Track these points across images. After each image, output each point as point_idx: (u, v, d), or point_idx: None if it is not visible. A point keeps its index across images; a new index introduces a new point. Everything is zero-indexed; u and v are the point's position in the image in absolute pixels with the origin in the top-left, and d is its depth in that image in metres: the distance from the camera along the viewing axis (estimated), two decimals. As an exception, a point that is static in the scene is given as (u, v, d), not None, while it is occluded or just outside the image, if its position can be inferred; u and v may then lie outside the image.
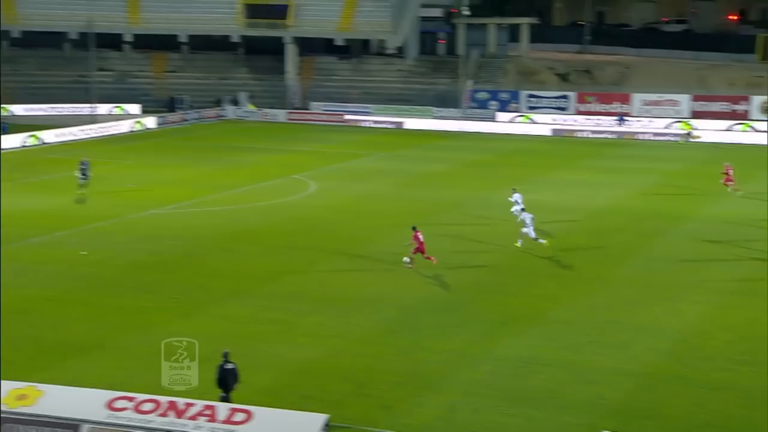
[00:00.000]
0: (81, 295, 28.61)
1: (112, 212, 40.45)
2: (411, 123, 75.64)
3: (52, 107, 76.22)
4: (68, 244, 34.81)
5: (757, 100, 73.73)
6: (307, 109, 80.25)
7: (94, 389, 19.36)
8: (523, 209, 36.01)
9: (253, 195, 45.78)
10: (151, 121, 72.22)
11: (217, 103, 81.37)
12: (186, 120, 75.90)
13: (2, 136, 59.79)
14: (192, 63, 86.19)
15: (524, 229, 34.39)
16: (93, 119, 69.93)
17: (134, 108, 78.53)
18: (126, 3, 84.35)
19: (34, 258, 32.71)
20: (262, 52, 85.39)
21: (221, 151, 61.03)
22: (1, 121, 63.29)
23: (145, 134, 68.69)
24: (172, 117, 75.26)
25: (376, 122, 76.58)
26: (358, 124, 76.32)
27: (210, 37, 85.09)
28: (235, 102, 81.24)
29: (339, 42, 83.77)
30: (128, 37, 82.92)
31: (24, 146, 59.42)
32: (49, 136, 61.91)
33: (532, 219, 34.39)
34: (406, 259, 32.07)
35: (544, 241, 34.42)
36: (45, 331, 25.27)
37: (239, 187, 47.78)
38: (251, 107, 79.53)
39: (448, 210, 42.02)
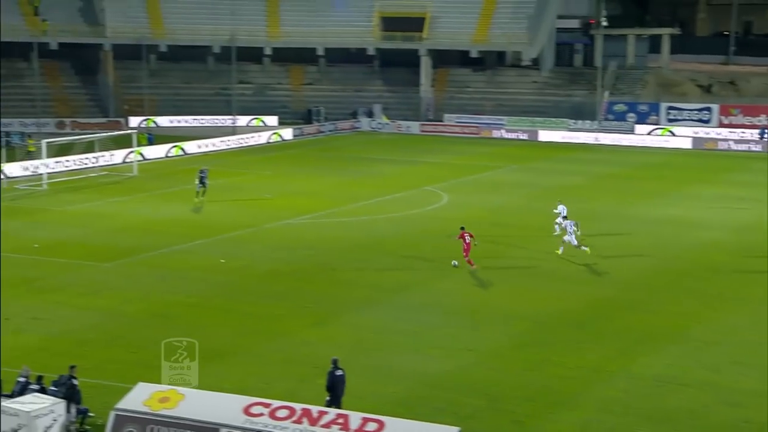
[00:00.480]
0: (220, 302, 29.43)
1: (250, 221, 41.50)
2: (545, 135, 74.74)
3: (195, 119, 78.94)
4: (208, 252, 35.89)
5: None
6: (440, 121, 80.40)
7: (231, 394, 19.86)
8: (565, 217, 36.53)
9: (386, 206, 46.12)
10: (288, 133, 73.84)
11: (353, 115, 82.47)
12: (322, 131, 77.22)
13: (148, 147, 62.27)
14: (328, 75, 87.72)
15: (566, 237, 34.90)
16: (233, 131, 72.04)
17: (272, 120, 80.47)
18: (266, 17, 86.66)
19: (177, 265, 33.87)
20: (397, 65, 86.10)
21: (355, 163, 61.77)
22: (148, 132, 65.91)
23: (282, 145, 70.26)
24: (308, 128, 76.72)
25: (509, 134, 76.02)
26: (492, 136, 75.93)
27: (346, 50, 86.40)
28: (369, 114, 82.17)
29: (474, 54, 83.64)
30: (268, 51, 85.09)
31: (168, 156, 61.72)
32: (192, 146, 64.10)
33: (575, 225, 34.81)
34: (455, 262, 33.36)
35: (586, 248, 34.62)
36: (187, 335, 25.99)
37: (372, 198, 48.22)
38: (385, 119, 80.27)
39: (582, 224, 41.25)
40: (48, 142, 51.39)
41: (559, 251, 35.07)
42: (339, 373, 20.59)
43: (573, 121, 76.97)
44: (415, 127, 79.19)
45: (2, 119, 70.69)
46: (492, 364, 24.51)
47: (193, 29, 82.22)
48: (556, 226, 37.78)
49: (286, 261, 34.82)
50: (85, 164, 55.25)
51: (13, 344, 24.77)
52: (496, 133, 76.39)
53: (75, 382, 20.02)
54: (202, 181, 44.62)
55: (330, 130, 77.98)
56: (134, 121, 75.99)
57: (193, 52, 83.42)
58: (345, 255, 35.82)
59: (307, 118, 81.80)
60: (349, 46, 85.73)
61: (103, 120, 75.23)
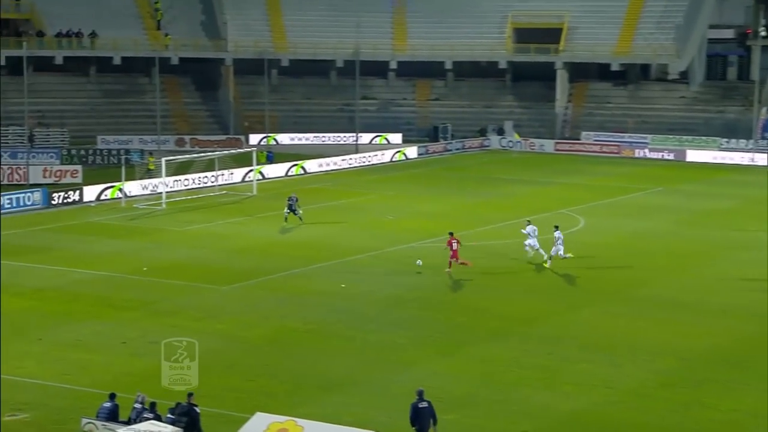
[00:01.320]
0: (340, 329, 29.82)
1: (372, 245, 41.90)
2: (694, 155, 72.88)
3: (316, 136, 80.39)
4: (328, 277, 36.43)
5: None
6: (577, 139, 79.46)
7: (352, 428, 20.07)
8: (556, 227, 38.79)
9: (517, 230, 45.79)
10: (412, 151, 74.34)
11: (481, 132, 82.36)
12: (448, 150, 77.39)
13: (268, 165, 63.73)
14: (456, 90, 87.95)
15: (554, 249, 37.43)
16: (355, 149, 73.01)
17: (396, 137, 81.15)
18: (392, 30, 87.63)
19: (296, 289, 34.50)
20: (531, 79, 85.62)
21: (484, 183, 61.63)
22: (268, 150, 67.48)
23: (407, 164, 70.76)
24: (434, 147, 77.04)
25: (653, 154, 74.49)
26: (634, 156, 74.56)
27: (476, 64, 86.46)
28: (500, 131, 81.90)
29: (615, 67, 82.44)
30: (393, 65, 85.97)
31: (288, 176, 63.00)
32: (312, 165, 65.28)
33: (562, 239, 37.52)
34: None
35: (570, 255, 37.32)
36: (305, 364, 26.54)
37: (503, 221, 47.99)
38: (517, 137, 79.86)
39: (734, 252, 40.03)
40: (167, 160, 53.25)
41: (547, 264, 37.49)
42: (423, 405, 20.52)
43: (725, 140, 74.82)
44: (549, 145, 78.48)
45: (123, 136, 73.74)
46: (633, 403, 23.99)
47: (316, 43, 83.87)
48: (528, 249, 38.48)
49: (409, 287, 34.99)
50: (204, 183, 56.98)
51: (130, 368, 25.68)
52: (638, 153, 74.95)
53: (197, 410, 20.51)
54: (291, 209, 45.14)
55: (457, 149, 78.06)
56: (254, 138, 77.94)
57: (316, 66, 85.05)
58: (472, 282, 35.73)
59: (433, 135, 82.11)
60: (479, 60, 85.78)
61: (223, 137, 77.43)
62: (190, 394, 20.63)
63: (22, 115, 63.06)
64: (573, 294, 34.13)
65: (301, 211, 45.35)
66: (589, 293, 34.36)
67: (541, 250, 38.24)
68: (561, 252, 37.71)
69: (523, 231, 39.16)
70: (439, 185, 60.65)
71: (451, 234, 37.24)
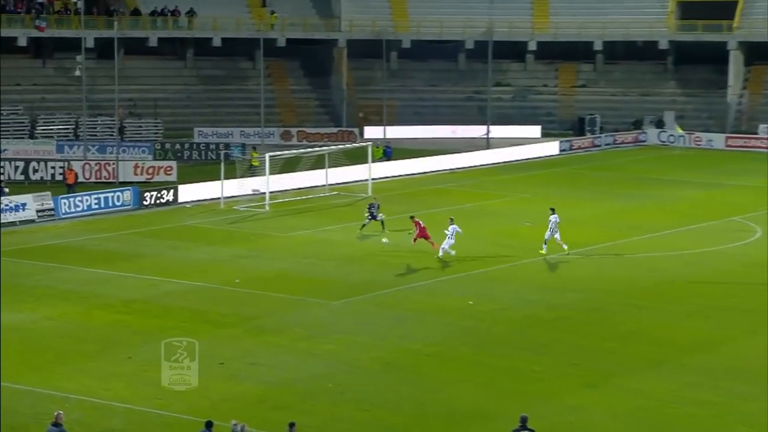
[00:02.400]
0: (467, 353, 29.81)
1: (506, 255, 41.76)
2: None
3: (441, 128, 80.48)
4: (454, 292, 36.46)
5: None
6: (753, 134, 77.56)
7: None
8: (552, 209, 42.27)
9: (678, 240, 45.02)
10: (553, 147, 73.78)
11: (636, 124, 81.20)
12: (596, 145, 76.55)
13: (385, 162, 64.10)
14: (607, 75, 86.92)
15: (548, 233, 40.92)
16: (486, 143, 72.87)
17: (534, 130, 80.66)
18: (532, 6, 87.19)
19: (417, 306, 34.65)
20: (697, 62, 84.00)
21: (640, 185, 60.70)
22: (386, 144, 67.91)
23: (547, 162, 70.24)
24: (579, 141, 76.31)
25: None
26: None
27: (631, 44, 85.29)
28: (659, 123, 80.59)
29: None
30: (532, 46, 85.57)
31: (408, 174, 63.14)
32: (436, 162, 65.40)
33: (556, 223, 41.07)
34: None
35: (453, 252, 40.42)
36: (427, 392, 26.63)
37: (661, 230, 47.22)
38: (679, 130, 78.44)
39: None
40: (272, 156, 54.12)
41: (543, 250, 41.21)
42: None
43: None
44: (719, 140, 76.81)
45: (222, 128, 75.32)
46: (818, 450, 23.29)
47: (443, 21, 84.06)
48: (447, 249, 40.67)
49: (548, 305, 34.76)
50: (314, 182, 57.66)
51: (228, 393, 26.21)
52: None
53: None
54: (373, 216, 45.28)
55: (607, 144, 77.13)
56: (370, 131, 78.59)
57: (442, 48, 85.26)
58: (624, 300, 35.30)
59: (579, 128, 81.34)
60: (635, 39, 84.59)
61: (334, 130, 78.40)
62: (291, 425, 20.94)
63: (111, 104, 65.08)
64: (747, 318, 33.31)
65: (382, 216, 45.45)
66: (766, 317, 33.47)
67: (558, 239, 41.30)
68: (553, 235, 41.27)
69: (445, 231, 40.98)
70: (584, 187, 60.02)
71: (412, 217, 41.99)
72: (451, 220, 41.61)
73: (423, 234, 41.23)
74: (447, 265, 40.18)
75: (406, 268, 39.76)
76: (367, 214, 45.73)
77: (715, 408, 25.77)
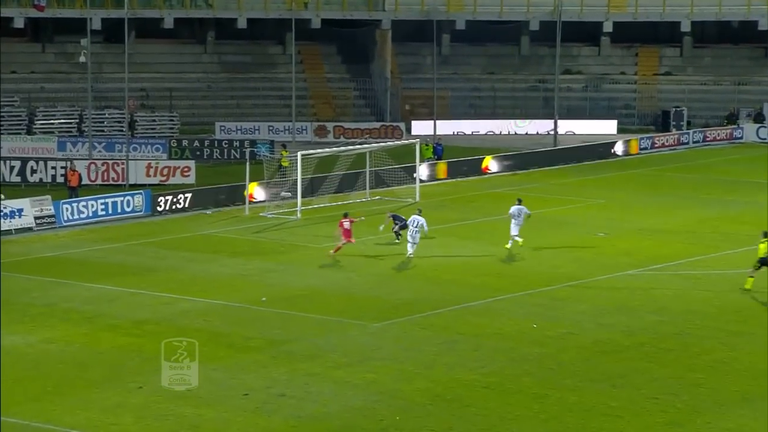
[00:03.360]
0: (529, 384, 29.79)
1: (575, 272, 41.66)
2: None
3: (499, 123, 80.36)
4: (514, 313, 36.43)
5: None
6: None
7: None
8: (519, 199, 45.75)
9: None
10: (633, 144, 73.50)
11: (731, 118, 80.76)
12: (683, 143, 76.22)
13: (436, 162, 64.15)
14: (695, 62, 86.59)
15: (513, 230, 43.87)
16: (554, 140, 72.73)
17: (610, 125, 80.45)
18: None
19: (471, 329, 34.66)
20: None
21: (734, 189, 60.34)
22: (436, 142, 67.98)
23: (624, 162, 69.97)
24: (662, 138, 76.02)
25: None
26: None
27: (725, 25, 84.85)
28: (758, 117, 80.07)
29: None
30: (608, 27, 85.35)
31: (462, 176, 63.17)
32: (495, 163, 65.38)
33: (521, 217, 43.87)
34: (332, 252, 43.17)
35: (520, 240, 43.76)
36: (483, 429, 26.63)
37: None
38: (780, 125, 77.94)
39: None
40: (304, 155, 54.34)
41: (508, 245, 44.19)
42: None
43: None
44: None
45: (248, 123, 75.68)
46: None
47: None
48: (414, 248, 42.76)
49: (624, 329, 34.66)
50: (353, 186, 57.74)
51: (253, 429, 26.37)
52: None
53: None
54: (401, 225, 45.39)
55: (696, 141, 76.77)
56: (418, 126, 78.69)
57: (501, 30, 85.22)
58: (713, 324, 35.16)
59: (662, 123, 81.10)
60: (729, 19, 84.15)
61: (377, 125, 78.56)
62: None
63: (120, 94, 65.61)
64: None
65: (397, 228, 45.49)
66: None
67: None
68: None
69: (387, 225, 44.49)
70: (669, 191, 59.74)
71: (346, 215, 44.10)
72: (419, 211, 43.84)
73: (347, 234, 43.35)
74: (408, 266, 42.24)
75: (458, 285, 39.78)
76: (395, 227, 45.49)
77: (820, 451, 25.60)
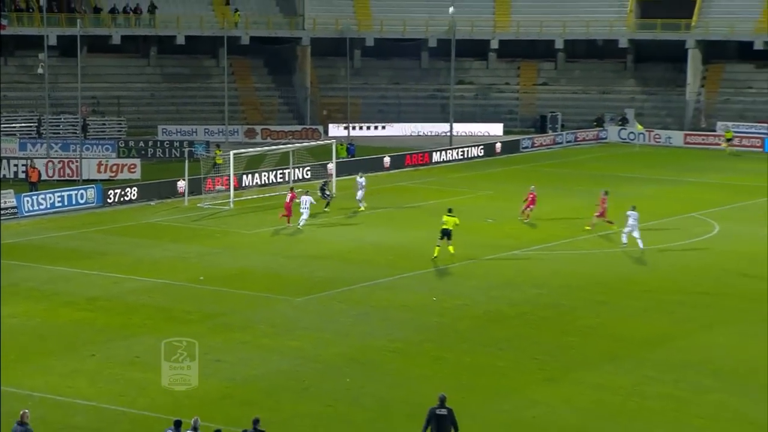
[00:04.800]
0: (430, 349, 29.92)
1: (468, 252, 41.88)
2: None
3: (404, 126, 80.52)
4: (417, 288, 36.56)
5: None
6: (712, 131, 78.21)
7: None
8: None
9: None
10: (515, 144, 74.03)
11: (597, 122, 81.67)
12: (558, 143, 76.93)
13: (349, 160, 64.12)
14: (568, 74, 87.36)
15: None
16: (449, 141, 73.00)
17: (496, 128, 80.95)
18: (494, 4, 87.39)
19: (380, 302, 34.73)
20: (656, 60, 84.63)
21: (601, 182, 60.95)
22: (349, 142, 67.95)
23: (509, 159, 70.47)
24: (540, 139, 76.66)
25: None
26: (778, 150, 73.13)
27: (592, 43, 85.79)
28: (620, 121, 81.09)
29: (758, 45, 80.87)
30: (494, 44, 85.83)
31: (372, 171, 63.12)
32: (399, 160, 65.45)
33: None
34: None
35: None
36: (390, 387, 26.70)
37: (620, 226, 47.50)
38: (639, 128, 78.92)
39: None
40: (236, 154, 54.03)
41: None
42: (442, 412, 21.23)
43: None
44: (678, 137, 77.43)
45: (186, 126, 75.04)
46: (774, 442, 23.59)
47: (405, 19, 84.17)
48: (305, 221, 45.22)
49: (509, 301, 34.94)
50: (278, 180, 57.61)
51: (192, 390, 26.14)
52: (783, 146, 73.53)
53: (267, 436, 20.76)
54: (323, 194, 49.42)
55: (568, 141, 77.54)
56: (334, 129, 78.59)
57: (405, 46, 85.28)
58: (583, 296, 35.53)
59: (540, 126, 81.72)
60: (595, 38, 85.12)
61: (298, 127, 78.31)
62: (255, 421, 20.95)
63: (74, 101, 64.73)
64: (703, 312, 33.63)
65: (329, 193, 49.67)
66: (723, 311, 33.82)
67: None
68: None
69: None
70: (546, 184, 60.21)
71: (292, 189, 47.02)
72: (306, 192, 46.71)
73: (287, 209, 45.79)
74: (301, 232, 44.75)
75: (369, 265, 39.81)
76: (319, 194, 48.85)
77: (674, 401, 25.99)
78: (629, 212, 42.21)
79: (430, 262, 39.82)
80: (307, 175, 58.73)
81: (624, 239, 42.21)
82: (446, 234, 40.16)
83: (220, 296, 35.25)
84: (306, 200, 45.85)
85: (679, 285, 37.10)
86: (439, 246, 40.24)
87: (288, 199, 46.12)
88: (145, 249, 42.52)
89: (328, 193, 50.54)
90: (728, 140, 73.57)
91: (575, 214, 50.27)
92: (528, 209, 47.82)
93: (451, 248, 40.17)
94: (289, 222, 45.91)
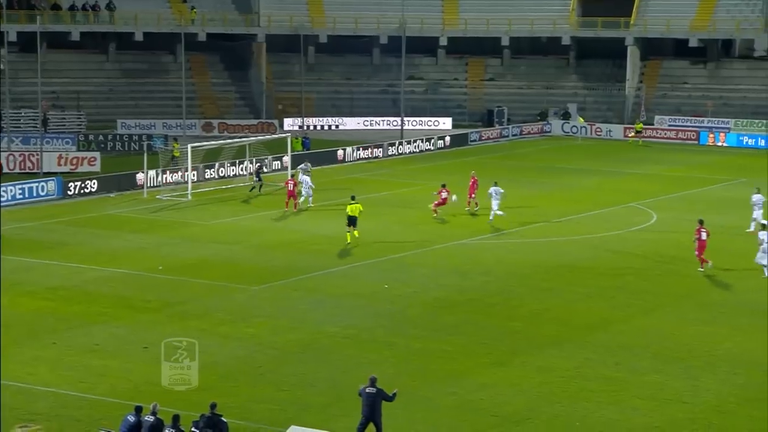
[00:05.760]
0: (382, 335, 29.94)
1: (418, 241, 41.97)
2: (782, 142, 72.10)
3: (357, 120, 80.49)
4: (370, 276, 36.57)
5: None
6: (650, 125, 78.87)
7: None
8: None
9: (580, 225, 45.66)
10: (464, 138, 74.22)
11: (542, 116, 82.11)
12: (504, 136, 77.27)
13: (304, 153, 63.91)
14: (513, 69, 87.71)
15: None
16: (400, 134, 73.03)
17: (446, 122, 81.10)
18: (442, 3, 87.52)
19: (334, 290, 34.69)
20: (598, 57, 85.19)
21: (544, 173, 61.41)
22: (304, 135, 67.75)
23: (458, 152, 70.68)
24: (488, 132, 76.93)
25: (737, 141, 73.73)
26: (714, 143, 73.88)
27: (536, 40, 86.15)
28: (563, 115, 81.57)
29: (693, 43, 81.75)
30: (443, 41, 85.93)
31: (327, 164, 63.05)
32: (352, 152, 65.37)
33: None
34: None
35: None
36: (344, 372, 26.68)
37: (565, 215, 47.84)
38: (581, 121, 79.50)
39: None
40: (193, 147, 53.67)
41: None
42: (371, 390, 21.59)
43: (818, 124, 73.98)
44: (618, 131, 78.06)
45: (145, 120, 74.46)
46: (713, 420, 23.89)
47: (358, 17, 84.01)
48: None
49: (459, 288, 35.04)
50: (235, 172, 57.36)
51: (151, 376, 25.96)
52: (719, 140, 74.24)
53: (225, 421, 20.66)
54: (258, 177, 51.66)
55: (514, 135, 77.89)
56: (289, 122, 78.32)
57: (357, 43, 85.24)
58: (529, 283, 35.72)
59: (488, 120, 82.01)
60: (539, 35, 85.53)
61: (254, 121, 77.97)
62: (213, 405, 20.84)
63: (34, 96, 63.92)
64: (643, 297, 33.94)
65: (259, 184, 51.37)
66: (661, 296, 34.16)
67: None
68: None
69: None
70: (493, 175, 60.42)
71: (292, 176, 48.56)
72: (305, 170, 50.09)
73: (292, 194, 47.24)
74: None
75: (323, 254, 39.75)
76: (255, 178, 50.93)
77: (615, 383, 26.21)
78: (492, 189, 45.49)
79: (383, 252, 39.91)
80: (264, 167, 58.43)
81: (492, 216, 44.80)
82: (352, 221, 40.96)
83: (179, 285, 35.03)
84: (305, 180, 48.47)
85: (619, 271, 37.41)
86: (349, 232, 41.00)
87: (291, 187, 47.11)
88: (105, 240, 42.14)
89: (258, 179, 51.89)
90: (638, 132, 74.33)
91: (521, 204, 50.48)
92: (472, 197, 48.17)
93: (356, 232, 41.05)
94: (295, 206, 47.32)
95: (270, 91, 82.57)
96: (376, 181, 55.68)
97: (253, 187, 51.92)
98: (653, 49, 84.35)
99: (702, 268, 37.01)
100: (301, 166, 52.36)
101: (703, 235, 36.78)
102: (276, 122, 77.66)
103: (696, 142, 74.85)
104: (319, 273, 36.90)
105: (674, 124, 78.18)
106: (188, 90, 76.03)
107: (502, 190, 45.86)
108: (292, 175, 47.95)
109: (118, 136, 68.11)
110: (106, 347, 28.09)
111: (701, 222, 37.35)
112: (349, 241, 40.90)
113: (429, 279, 36.21)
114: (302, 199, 48.28)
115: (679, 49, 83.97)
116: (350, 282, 35.75)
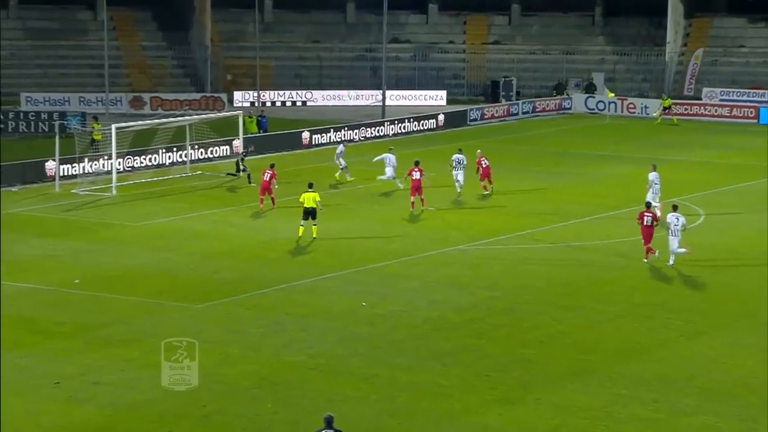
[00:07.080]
0: (358, 365, 29.98)
1: (405, 247, 42.03)
2: None
3: (327, 94, 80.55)
4: (343, 291, 36.61)
5: None
6: (697, 99, 79.28)
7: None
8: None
9: (607, 227, 45.79)
10: (462, 115, 74.38)
11: (559, 89, 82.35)
12: (513, 114, 77.47)
13: (260, 135, 63.98)
14: (524, 30, 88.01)
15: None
16: (382, 111, 73.14)
17: (439, 95, 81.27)
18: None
19: (298, 309, 34.71)
20: (630, 13, 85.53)
21: (562, 160, 61.58)
22: (260, 114, 67.81)
23: (453, 134, 70.79)
24: (491, 109, 77.14)
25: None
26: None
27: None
28: (587, 88, 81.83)
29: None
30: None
31: (288, 150, 63.12)
32: (320, 135, 65.47)
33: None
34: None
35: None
36: (310, 413, 26.64)
37: (589, 214, 47.97)
38: (610, 95, 79.83)
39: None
40: (119, 128, 53.63)
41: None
42: None
43: None
44: (655, 107, 78.38)
45: (57, 94, 74.31)
46: (770, 472, 24.03)
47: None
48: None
49: (455, 306, 35.12)
50: (172, 160, 57.35)
51: (65, 419, 25.98)
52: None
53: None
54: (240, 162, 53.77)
55: (525, 112, 78.12)
56: (240, 97, 78.35)
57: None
58: (542, 299, 35.84)
59: (491, 93, 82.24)
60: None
61: (197, 96, 78.06)
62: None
63: None
64: (686, 317, 34.07)
65: (243, 167, 52.72)
66: (710, 316, 34.29)
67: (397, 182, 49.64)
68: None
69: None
70: (498, 163, 60.64)
71: (272, 165, 47.80)
72: (390, 149, 52.84)
73: (267, 186, 46.75)
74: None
75: (285, 263, 39.78)
76: (242, 166, 52.45)
77: (653, 425, 26.32)
78: (455, 156, 50.09)
79: (364, 260, 39.94)
80: (208, 153, 58.45)
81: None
82: (309, 214, 41.76)
83: (100, 303, 35.01)
84: (389, 158, 52.14)
85: (656, 285, 37.52)
86: (303, 226, 41.92)
87: (267, 178, 46.94)
88: (6, 246, 42.01)
89: (243, 168, 53.06)
90: (665, 108, 74.53)
91: (533, 199, 50.56)
92: (486, 179, 49.82)
93: (314, 229, 41.84)
94: (273, 202, 47.38)
95: (216, 57, 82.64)
96: (351, 171, 55.67)
97: (249, 175, 52.92)
98: (701, 3, 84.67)
99: (646, 259, 39.01)
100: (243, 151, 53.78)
101: (647, 220, 39.02)
102: (224, 97, 77.75)
103: (755, 120, 75.16)
104: (279, 287, 36.94)
105: (727, 98, 78.59)
106: (112, 56, 75.97)
107: (465, 160, 50.36)
108: (272, 165, 48.09)
109: (21, 114, 68.08)
110: (7, 383, 28.04)
111: (648, 206, 40.55)
112: (300, 235, 41.63)
113: (418, 294, 36.26)
114: (385, 177, 51.71)
115: (733, 2, 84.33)
116: (319, 298, 35.80)
